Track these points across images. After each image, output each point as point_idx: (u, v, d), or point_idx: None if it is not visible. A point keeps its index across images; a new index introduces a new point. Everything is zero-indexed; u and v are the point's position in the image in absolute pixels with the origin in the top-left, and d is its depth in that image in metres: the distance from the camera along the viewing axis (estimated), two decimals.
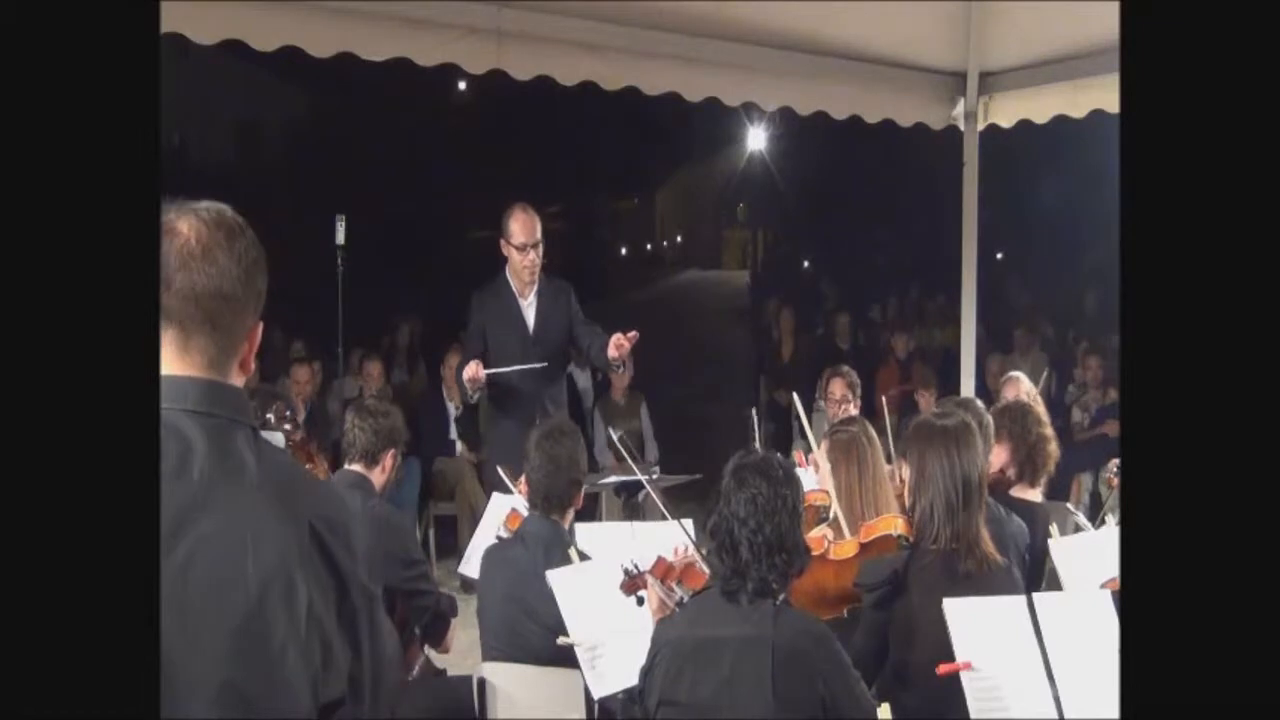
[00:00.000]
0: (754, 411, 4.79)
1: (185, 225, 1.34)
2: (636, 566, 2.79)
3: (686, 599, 2.65)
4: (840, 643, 2.44)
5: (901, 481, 3.17)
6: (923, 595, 2.67)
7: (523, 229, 4.71)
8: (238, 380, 1.40)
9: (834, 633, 2.46)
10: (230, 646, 1.24)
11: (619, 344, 4.52)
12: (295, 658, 1.27)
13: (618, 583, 2.83)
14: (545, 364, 4.70)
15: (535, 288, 4.80)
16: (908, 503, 2.92)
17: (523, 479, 3.46)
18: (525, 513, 3.41)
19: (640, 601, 2.77)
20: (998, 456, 3.54)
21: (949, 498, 2.75)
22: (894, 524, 3.05)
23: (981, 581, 2.69)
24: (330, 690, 1.31)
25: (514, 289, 4.81)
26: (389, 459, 3.47)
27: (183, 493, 1.26)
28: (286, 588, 1.27)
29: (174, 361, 1.34)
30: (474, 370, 4.57)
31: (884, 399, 5.01)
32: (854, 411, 5.00)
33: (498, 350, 4.77)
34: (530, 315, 4.82)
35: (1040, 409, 3.88)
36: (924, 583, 2.71)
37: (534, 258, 4.73)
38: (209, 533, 1.26)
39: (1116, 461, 4.34)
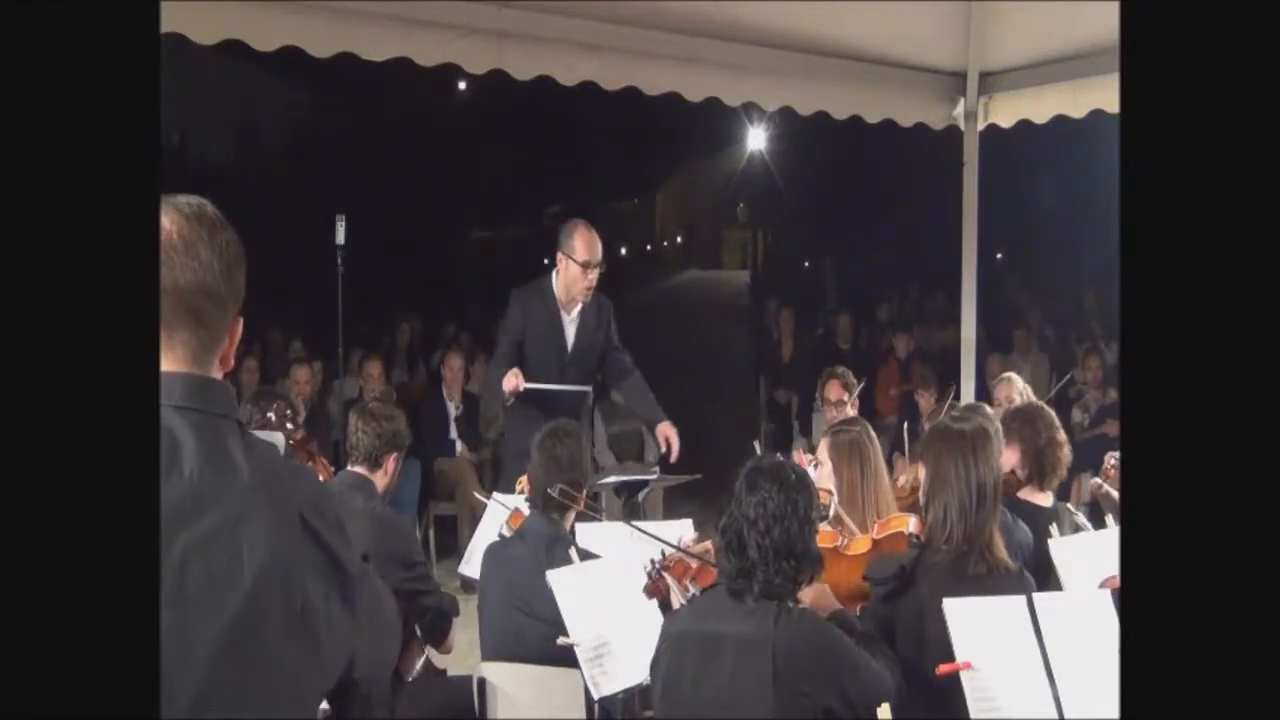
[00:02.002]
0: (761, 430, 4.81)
1: (167, 220, 1.32)
2: (659, 570, 2.80)
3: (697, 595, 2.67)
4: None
5: (917, 482, 3.17)
6: (930, 594, 2.67)
7: (587, 246, 4.58)
8: (217, 375, 1.40)
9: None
10: (227, 645, 1.24)
11: (666, 435, 4.55)
12: (294, 653, 1.28)
13: (643, 586, 2.84)
14: (588, 389, 4.70)
15: (580, 305, 4.68)
16: (922, 504, 2.91)
17: (525, 478, 3.47)
18: (527, 512, 3.42)
19: (663, 605, 2.78)
20: (1007, 458, 3.52)
21: (963, 501, 2.74)
22: (907, 522, 3.06)
23: (990, 584, 2.68)
24: (332, 675, 1.32)
25: (559, 302, 4.66)
26: (391, 462, 3.48)
27: (174, 492, 1.26)
28: (283, 584, 1.27)
29: (165, 350, 1.33)
30: (514, 382, 4.43)
31: (895, 397, 4.98)
32: (851, 412, 4.99)
33: (532, 359, 4.64)
34: (570, 332, 4.69)
35: (1052, 412, 3.86)
36: (932, 581, 2.71)
37: (593, 278, 4.61)
38: (203, 533, 1.26)
39: (1114, 455, 4.33)
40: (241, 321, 1.42)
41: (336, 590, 1.34)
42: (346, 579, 1.35)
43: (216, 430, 1.32)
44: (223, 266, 1.35)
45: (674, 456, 4.58)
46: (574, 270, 4.58)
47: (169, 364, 1.34)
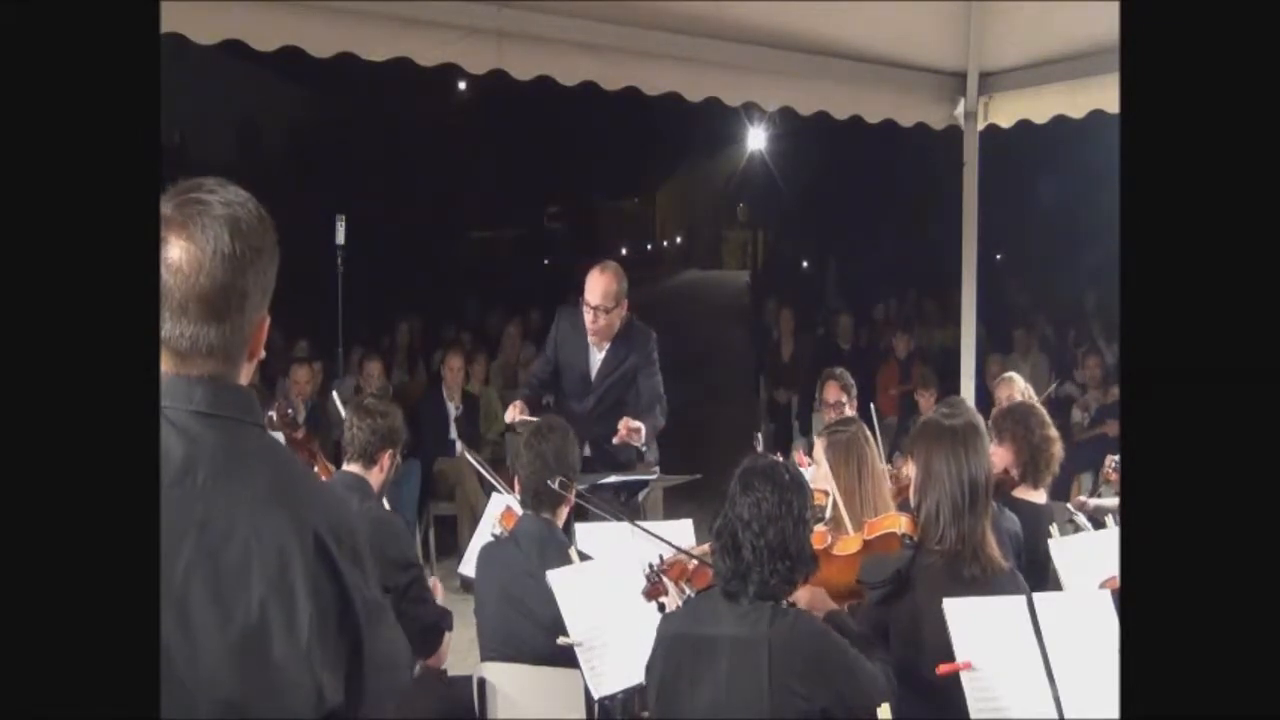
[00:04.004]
0: (759, 434, 4.68)
1: (187, 229, 1.30)
2: (658, 573, 2.80)
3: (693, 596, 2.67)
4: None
5: (907, 478, 3.17)
6: (926, 596, 2.67)
7: (590, 287, 4.51)
8: (247, 368, 1.39)
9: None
10: (231, 659, 1.23)
11: (628, 428, 4.35)
12: (295, 671, 1.26)
13: (641, 590, 2.84)
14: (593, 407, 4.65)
15: (609, 342, 4.63)
16: (913, 502, 2.91)
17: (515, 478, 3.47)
18: (520, 511, 3.41)
19: (662, 608, 2.78)
20: (1001, 457, 3.53)
21: (955, 499, 2.74)
22: (898, 521, 3.05)
23: (985, 587, 2.68)
24: (329, 700, 1.30)
25: (589, 333, 4.62)
26: (386, 459, 3.46)
27: (185, 499, 1.25)
28: (288, 602, 1.26)
29: (182, 362, 1.32)
30: (513, 413, 4.49)
31: (890, 395, 4.98)
32: (850, 413, 4.98)
33: (563, 378, 4.72)
34: (596, 363, 4.66)
35: (1043, 410, 3.88)
36: (928, 584, 2.70)
37: (603, 322, 4.52)
38: (213, 544, 1.25)
39: (1114, 458, 4.34)
40: (268, 319, 1.40)
41: (339, 618, 1.31)
42: (351, 609, 1.32)
43: (237, 438, 1.31)
44: (242, 264, 1.32)
45: (619, 439, 4.40)
46: (585, 309, 4.56)
47: (191, 369, 1.32)
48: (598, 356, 4.66)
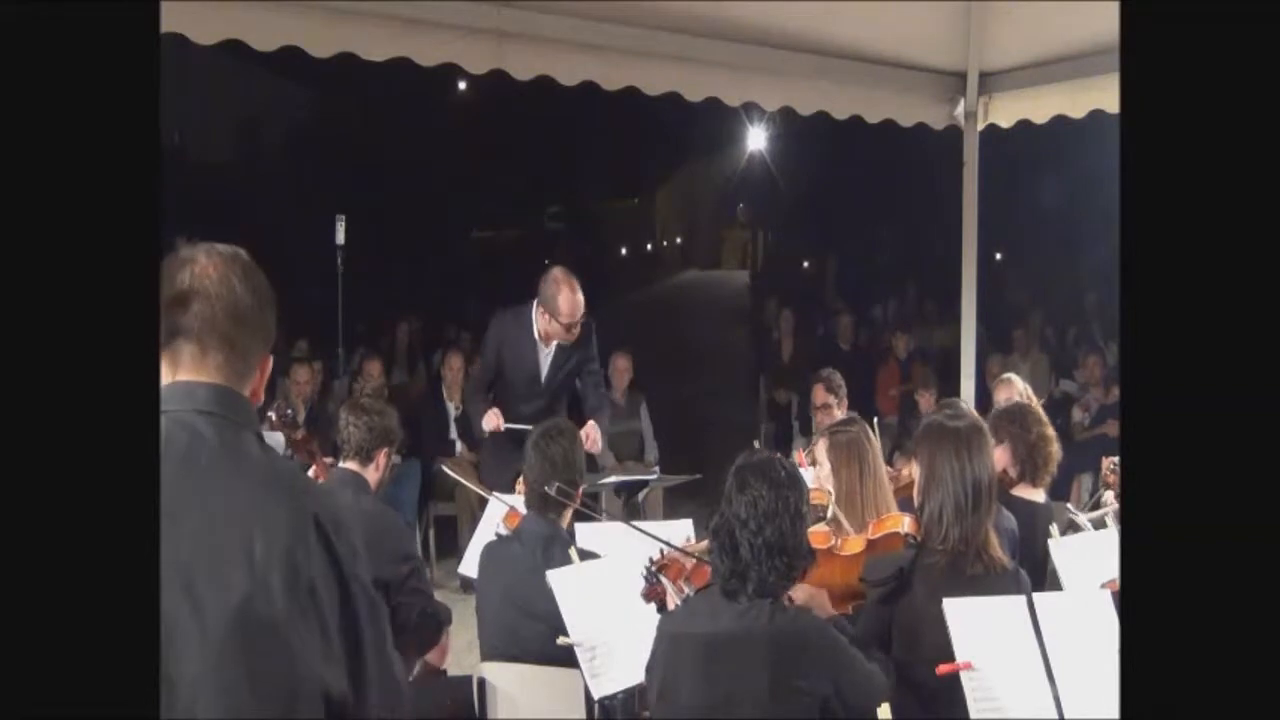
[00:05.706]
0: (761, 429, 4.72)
1: (203, 256, 1.42)
2: (655, 574, 2.80)
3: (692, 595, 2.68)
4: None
5: (908, 479, 3.17)
6: (928, 595, 2.67)
7: (564, 309, 4.60)
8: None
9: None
10: (236, 626, 1.26)
11: (589, 436, 4.42)
12: (299, 637, 1.30)
13: (640, 591, 2.85)
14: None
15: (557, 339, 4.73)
16: (916, 503, 2.91)
17: (521, 479, 3.47)
18: (525, 512, 3.41)
19: (662, 608, 2.78)
20: (999, 458, 3.54)
21: (958, 500, 2.74)
22: (901, 521, 3.05)
23: (988, 584, 2.68)
24: (331, 681, 1.32)
25: (538, 335, 4.71)
26: (382, 457, 3.46)
27: (191, 477, 1.30)
28: (291, 571, 1.30)
29: (190, 373, 1.40)
30: (495, 422, 4.61)
31: (890, 395, 4.97)
32: (839, 414, 4.99)
33: (509, 382, 4.77)
34: (545, 362, 4.74)
35: (1039, 409, 3.89)
36: (930, 582, 2.70)
37: (575, 332, 4.65)
38: (216, 516, 1.29)
39: (1112, 460, 4.35)
40: (271, 360, 1.50)
41: (340, 607, 1.35)
42: (351, 601, 1.36)
43: (237, 435, 1.38)
44: (254, 301, 1.44)
45: (594, 448, 4.55)
46: (556, 327, 4.64)
47: (199, 377, 1.40)
48: (546, 354, 4.72)
